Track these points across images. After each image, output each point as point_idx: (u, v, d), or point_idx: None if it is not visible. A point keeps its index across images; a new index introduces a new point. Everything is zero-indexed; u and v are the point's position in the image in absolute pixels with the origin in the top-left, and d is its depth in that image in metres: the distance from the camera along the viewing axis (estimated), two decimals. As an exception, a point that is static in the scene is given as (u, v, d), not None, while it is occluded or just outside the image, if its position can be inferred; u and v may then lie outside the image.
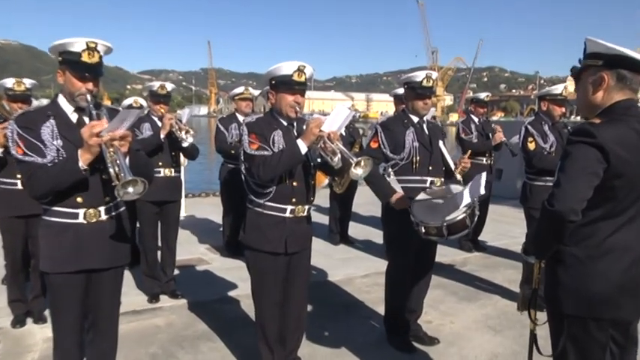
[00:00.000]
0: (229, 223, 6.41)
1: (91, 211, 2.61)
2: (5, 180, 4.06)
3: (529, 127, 4.88)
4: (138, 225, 4.93)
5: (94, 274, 2.68)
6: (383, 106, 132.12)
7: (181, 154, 5.03)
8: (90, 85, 2.58)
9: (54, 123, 2.55)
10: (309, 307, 3.90)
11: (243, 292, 4.86)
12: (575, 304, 2.13)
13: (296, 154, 3.00)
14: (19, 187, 3.91)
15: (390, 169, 3.91)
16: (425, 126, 3.98)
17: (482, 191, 3.23)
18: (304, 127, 3.11)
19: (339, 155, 2.95)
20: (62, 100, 2.64)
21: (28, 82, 4.41)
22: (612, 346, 2.19)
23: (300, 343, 3.51)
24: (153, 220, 4.87)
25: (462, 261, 6.46)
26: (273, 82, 3.16)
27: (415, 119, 3.94)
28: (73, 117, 2.63)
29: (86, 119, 2.62)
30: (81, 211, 2.59)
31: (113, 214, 2.72)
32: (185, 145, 4.77)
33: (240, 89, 6.42)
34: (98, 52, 2.58)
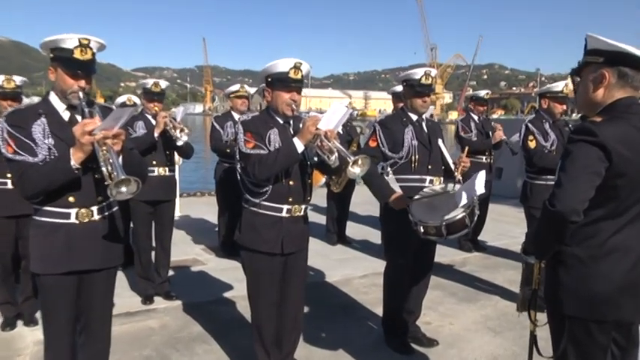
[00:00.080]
0: (225, 222, 6.41)
1: (84, 210, 2.60)
2: (-5, 179, 4.05)
3: (529, 125, 4.89)
4: (131, 225, 4.92)
5: (86, 275, 2.67)
6: (381, 103, 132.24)
7: (176, 153, 5.02)
8: (82, 83, 2.57)
9: (45, 121, 2.54)
10: (306, 309, 3.91)
11: (238, 293, 4.86)
12: (577, 305, 2.13)
13: (292, 153, 3.00)
14: (10, 186, 3.89)
15: (388, 168, 3.91)
16: (424, 124, 3.98)
17: (482, 190, 3.23)
18: (301, 125, 3.11)
19: (336, 154, 2.94)
20: (54, 98, 2.63)
21: (18, 80, 4.39)
22: (613, 347, 2.20)
23: (297, 345, 3.51)
24: (147, 220, 4.86)
25: (461, 261, 6.47)
26: (269, 79, 3.15)
27: (414, 117, 3.94)
28: (65, 115, 2.62)
29: (78, 117, 2.61)
30: (73, 211, 2.58)
31: (106, 214, 2.71)
32: (179, 143, 4.77)
33: (235, 87, 6.42)
34: (91, 48, 2.57)
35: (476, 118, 6.85)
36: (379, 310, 4.27)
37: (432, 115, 4.20)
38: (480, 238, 7.07)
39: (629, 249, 2.10)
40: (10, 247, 4.17)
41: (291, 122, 3.25)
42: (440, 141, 4.00)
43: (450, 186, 3.74)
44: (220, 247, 6.55)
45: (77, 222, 2.59)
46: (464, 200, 3.24)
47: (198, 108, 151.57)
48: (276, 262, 3.24)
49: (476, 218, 3.45)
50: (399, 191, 3.80)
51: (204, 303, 4.84)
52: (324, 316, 4.59)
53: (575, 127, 2.16)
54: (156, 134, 4.64)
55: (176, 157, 5.15)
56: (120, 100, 6.28)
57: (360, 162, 2.88)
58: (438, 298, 5.07)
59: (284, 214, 3.20)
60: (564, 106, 4.91)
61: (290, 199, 3.19)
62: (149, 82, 4.90)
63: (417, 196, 3.70)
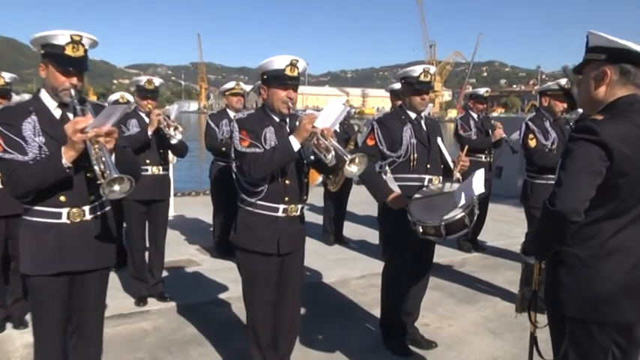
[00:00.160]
0: (220, 222, 6.41)
1: (75, 210, 2.59)
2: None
3: (530, 123, 4.90)
4: (124, 225, 4.91)
5: (78, 277, 2.66)
6: (379, 101, 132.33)
7: (170, 152, 5.02)
8: (74, 80, 2.56)
9: (36, 119, 2.53)
10: (303, 310, 3.91)
11: (234, 294, 4.86)
12: (578, 306, 2.13)
13: (288, 152, 2.99)
14: (-1, 185, 3.88)
15: (386, 167, 3.91)
16: (423, 122, 3.98)
17: (482, 189, 3.24)
18: (297, 123, 3.10)
19: (333, 152, 2.94)
20: (45, 95, 2.62)
21: (7, 76, 4.37)
22: (614, 349, 2.20)
23: (293, 347, 3.50)
24: (140, 220, 4.85)
25: (460, 262, 6.48)
26: (265, 76, 3.15)
27: (413, 115, 3.94)
28: (57, 113, 2.62)
29: (70, 115, 2.60)
30: (64, 211, 2.57)
31: (98, 213, 2.70)
32: (174, 142, 4.76)
33: (231, 84, 6.42)
34: (83, 45, 2.56)
35: (475, 116, 6.85)
36: (377, 312, 4.27)
37: (429, 114, 4.20)
38: (479, 238, 7.07)
39: (630, 249, 2.10)
40: None
41: (288, 120, 3.25)
42: (439, 139, 4.00)
43: (449, 185, 3.75)
44: (215, 247, 6.54)
45: (69, 222, 2.58)
46: (463, 200, 3.25)
47: (193, 106, 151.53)
48: (272, 263, 3.24)
49: (475, 218, 3.46)
50: (397, 190, 3.80)
51: (199, 304, 4.84)
52: (320, 317, 4.59)
53: (575, 125, 2.16)
54: (149, 132, 4.63)
55: (170, 155, 5.14)
56: (113, 97, 6.27)
57: (357, 160, 2.87)
58: (436, 299, 5.08)
59: (280, 213, 3.19)
60: (565, 104, 4.92)
61: (286, 199, 3.19)
62: (142, 79, 4.89)
63: (415, 196, 3.71)
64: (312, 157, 3.20)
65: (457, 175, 3.83)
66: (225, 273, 5.62)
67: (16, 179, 2.44)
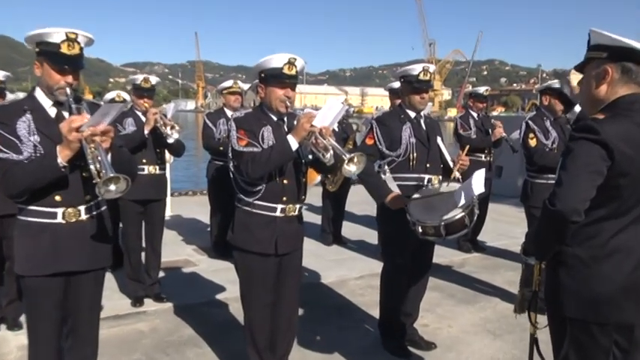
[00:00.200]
0: (217, 222, 6.40)
1: (71, 210, 2.59)
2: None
3: (530, 122, 4.90)
4: (120, 225, 4.91)
5: (73, 277, 2.66)
6: (378, 100, 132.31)
7: (166, 151, 5.01)
8: (69, 78, 2.55)
9: (30, 118, 2.52)
10: (300, 311, 3.91)
11: (231, 295, 4.86)
12: (578, 306, 2.13)
13: (286, 151, 2.99)
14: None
15: (385, 167, 3.91)
16: (422, 121, 3.98)
17: (482, 189, 3.24)
18: (295, 122, 3.10)
19: (332, 151, 2.94)
20: (39, 94, 2.61)
21: (1, 75, 4.36)
22: (615, 350, 2.20)
23: (291, 348, 3.51)
24: (136, 220, 4.85)
25: (460, 262, 6.48)
26: (263, 75, 3.15)
27: (412, 114, 3.94)
28: (52, 111, 2.61)
29: (65, 114, 2.59)
30: (59, 211, 2.57)
31: (94, 213, 2.70)
32: (170, 141, 4.75)
33: (228, 83, 6.41)
34: (79, 43, 2.55)
35: (475, 115, 6.86)
36: (375, 313, 4.27)
37: (428, 113, 4.21)
38: (479, 238, 7.08)
39: (631, 250, 2.10)
40: (-7, 248, 4.14)
41: (285, 119, 3.25)
42: (438, 139, 4.00)
43: (449, 185, 3.74)
44: (212, 247, 6.54)
45: (64, 222, 2.58)
46: (463, 200, 3.25)
47: (190, 105, 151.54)
48: (270, 263, 3.24)
49: (475, 218, 3.46)
50: (396, 190, 3.80)
51: (196, 305, 4.83)
52: (318, 318, 4.59)
53: (577, 124, 2.15)
54: (146, 131, 4.63)
55: (167, 155, 5.13)
56: (109, 96, 6.27)
57: (355, 160, 2.87)
58: (436, 299, 5.08)
59: (278, 213, 3.19)
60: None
61: (284, 199, 3.19)
62: (139, 77, 4.88)
63: (415, 196, 3.71)
64: (311, 157, 3.20)
65: (457, 174, 3.84)
66: (223, 273, 5.62)
67: (11, 178, 2.44)
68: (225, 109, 6.31)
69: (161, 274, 5.15)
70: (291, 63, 3.09)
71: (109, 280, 5.09)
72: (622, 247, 2.10)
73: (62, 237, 2.58)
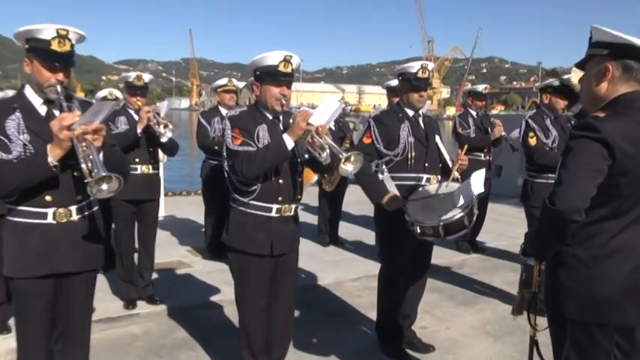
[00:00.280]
0: (212, 223, 6.40)
1: (61, 210, 2.58)
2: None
3: (530, 121, 4.91)
4: (113, 226, 4.90)
5: (64, 279, 2.65)
6: (376, 98, 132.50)
7: (160, 150, 5.01)
8: (60, 76, 2.55)
9: (20, 116, 2.52)
10: (297, 313, 3.90)
11: (226, 296, 4.85)
12: (579, 308, 2.14)
13: (282, 150, 2.99)
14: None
15: (383, 166, 3.91)
16: (421, 120, 3.99)
17: (481, 189, 3.24)
18: (291, 120, 3.10)
19: (328, 151, 2.94)
20: (29, 92, 2.60)
21: (-9, 72, 4.34)
22: (616, 352, 2.21)
23: (287, 351, 3.51)
24: (129, 221, 4.84)
25: (459, 263, 6.49)
26: (258, 72, 3.15)
27: (410, 113, 3.95)
28: (42, 110, 2.60)
29: (56, 112, 2.58)
30: (50, 211, 2.56)
31: (85, 213, 2.69)
32: (164, 140, 4.75)
33: (223, 81, 6.41)
34: (69, 40, 2.55)
35: (474, 113, 6.87)
36: (373, 315, 4.27)
37: (426, 112, 4.21)
38: (478, 238, 7.09)
39: (632, 250, 2.11)
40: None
41: (281, 118, 3.25)
42: (437, 138, 4.01)
43: (448, 185, 3.75)
44: (207, 248, 6.53)
45: (54, 222, 2.57)
46: (462, 200, 3.25)
47: (185, 103, 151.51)
48: (266, 264, 3.23)
49: (475, 218, 3.47)
50: (393, 191, 3.79)
51: (190, 307, 4.83)
52: (315, 320, 4.59)
53: (577, 122, 2.16)
54: (139, 130, 4.62)
55: (160, 154, 5.13)
56: (101, 94, 6.25)
57: (352, 159, 2.87)
58: (434, 301, 5.09)
59: (273, 213, 3.19)
60: (566, 102, 4.93)
61: (280, 199, 3.19)
62: (131, 75, 4.87)
63: (412, 196, 3.71)
64: (307, 156, 3.20)
65: (456, 174, 3.84)
66: (217, 275, 5.62)
67: (0, 178, 2.43)
68: (220, 107, 6.31)
69: (154, 275, 5.15)
70: (286, 60, 3.09)
71: (101, 282, 5.08)
72: (622, 248, 2.10)
73: (53, 238, 2.57)
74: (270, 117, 3.20)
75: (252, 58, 3.17)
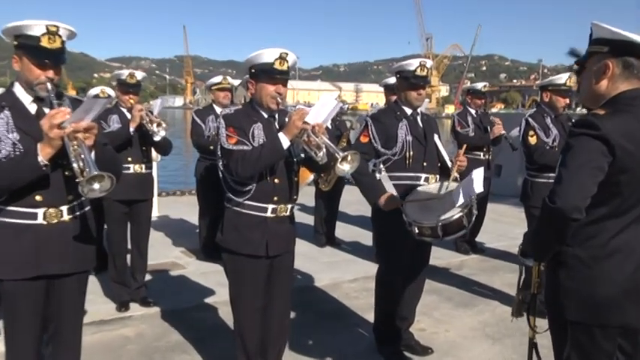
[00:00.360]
0: (206, 223, 6.39)
1: (52, 210, 2.57)
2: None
3: (530, 119, 4.91)
4: (105, 226, 4.89)
5: (55, 281, 2.64)
6: (373, 97, 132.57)
7: (153, 149, 5.00)
8: (50, 73, 2.54)
9: (9, 114, 2.51)
10: (293, 314, 3.90)
11: (221, 298, 4.85)
12: (579, 309, 2.14)
13: (277, 149, 2.99)
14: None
15: (381, 165, 3.91)
16: (419, 118, 3.99)
17: (480, 188, 3.24)
18: (286, 119, 3.10)
19: (324, 150, 2.94)
20: (18, 89, 2.59)
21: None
22: (619, 354, 2.21)
23: (283, 354, 3.51)
24: (122, 221, 4.83)
25: (458, 264, 6.50)
26: (253, 70, 3.15)
27: (408, 111, 3.95)
28: (32, 108, 2.59)
29: (46, 110, 2.57)
30: (40, 211, 2.55)
31: (77, 213, 2.68)
32: (157, 139, 4.74)
33: (217, 79, 6.41)
34: (60, 36, 2.54)
35: (473, 112, 6.88)
36: (370, 316, 4.27)
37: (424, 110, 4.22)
38: (477, 239, 7.10)
39: (632, 250, 2.11)
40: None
41: (277, 116, 3.24)
42: (436, 136, 4.01)
43: (447, 184, 3.75)
44: (201, 249, 6.53)
45: (45, 223, 2.56)
46: (461, 199, 3.25)
47: (179, 101, 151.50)
48: (261, 265, 3.23)
49: (474, 218, 3.47)
50: (391, 190, 3.80)
51: (184, 309, 4.82)
52: (311, 322, 4.60)
53: (577, 120, 2.16)
54: (131, 129, 4.60)
55: (153, 153, 5.12)
56: (93, 92, 6.24)
57: (349, 158, 2.87)
58: (433, 303, 5.09)
59: (269, 214, 3.19)
60: (567, 100, 4.94)
61: (275, 198, 3.18)
62: (124, 72, 4.86)
63: (410, 196, 3.71)
64: (303, 155, 3.20)
65: (455, 174, 3.85)
66: (212, 276, 5.61)
67: (-12, 178, 2.42)
68: (215, 105, 6.31)
69: (147, 277, 5.14)
70: (282, 58, 3.09)
71: (93, 284, 5.07)
72: (623, 248, 2.11)
73: (43, 238, 2.56)
74: (266, 115, 3.20)
75: (248, 56, 3.17)
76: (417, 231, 3.43)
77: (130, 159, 4.73)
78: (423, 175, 3.90)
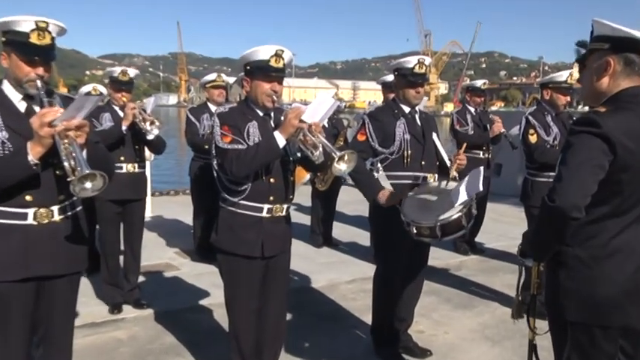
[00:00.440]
0: (200, 224, 6.39)
1: (43, 210, 2.56)
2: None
3: (530, 117, 4.92)
4: (97, 227, 4.88)
5: (46, 282, 2.62)
6: (371, 94, 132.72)
7: (146, 148, 4.99)
8: (40, 70, 2.53)
9: None
10: (289, 316, 3.90)
11: (215, 300, 4.84)
12: (579, 310, 2.15)
13: (273, 148, 2.98)
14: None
15: (378, 164, 3.92)
16: (417, 117, 3.99)
17: (480, 188, 3.25)
18: (282, 117, 3.10)
19: (321, 149, 2.94)
20: (7, 87, 2.58)
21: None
22: (620, 356, 2.21)
23: (279, 357, 3.51)
24: (114, 221, 4.82)
25: (457, 265, 6.51)
26: (248, 68, 3.14)
27: (406, 109, 3.95)
28: (21, 106, 2.58)
29: (36, 108, 2.56)
30: (30, 211, 2.53)
31: (68, 214, 2.67)
32: (150, 137, 4.73)
33: (212, 76, 6.41)
34: (50, 32, 2.53)
35: (472, 110, 6.89)
36: (368, 318, 4.27)
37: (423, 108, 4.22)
38: (477, 239, 7.11)
39: (633, 250, 2.12)
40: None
41: (272, 114, 3.24)
42: (434, 135, 4.02)
43: (445, 184, 3.76)
44: (196, 250, 6.53)
45: (35, 223, 2.55)
46: (460, 199, 3.26)
47: (172, 99, 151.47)
48: (256, 266, 3.23)
49: (473, 218, 3.47)
50: (389, 188, 3.80)
51: (178, 311, 4.82)
52: (308, 324, 4.60)
53: (577, 118, 2.16)
54: (124, 127, 4.59)
55: (147, 152, 5.11)
56: (84, 89, 6.23)
57: (346, 158, 2.88)
58: (431, 304, 5.10)
59: (264, 214, 3.19)
60: (568, 98, 4.95)
61: (271, 198, 3.18)
62: (116, 70, 4.86)
63: (409, 194, 3.71)
64: (299, 154, 3.20)
65: (454, 173, 3.85)
66: (206, 278, 5.60)
67: (-23, 178, 2.41)
68: (209, 103, 6.31)
69: (141, 278, 5.14)
70: (278, 55, 3.09)
71: (85, 286, 5.06)
72: (623, 248, 2.11)
73: (33, 239, 2.54)
74: (261, 114, 3.20)
75: (243, 53, 3.17)
76: (415, 231, 3.43)
77: (122, 158, 4.72)
78: (422, 175, 3.91)
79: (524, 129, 4.91)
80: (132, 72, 4.91)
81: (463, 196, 3.26)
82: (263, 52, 3.08)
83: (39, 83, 2.52)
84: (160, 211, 8.94)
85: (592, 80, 2.21)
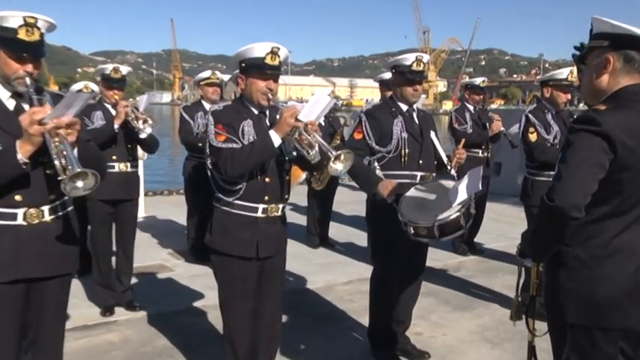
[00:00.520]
0: (194, 224, 6.39)
1: (33, 210, 2.55)
2: None
3: (530, 116, 4.93)
4: (89, 227, 4.88)
5: (35, 284, 2.61)
6: (368, 92, 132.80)
7: (139, 147, 4.99)
8: (29, 67, 2.51)
9: None
10: (284, 318, 3.91)
11: (210, 302, 4.84)
12: (579, 311, 2.15)
13: (268, 147, 2.98)
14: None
15: (375, 163, 3.92)
16: (415, 115, 4.00)
17: (479, 187, 3.25)
18: (278, 116, 3.09)
19: (317, 148, 2.94)
20: (-5, 85, 2.58)
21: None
22: (621, 358, 2.22)
23: (274, 359, 3.50)
24: (106, 222, 4.81)
25: (455, 265, 6.52)
26: (243, 65, 3.14)
27: (404, 107, 3.95)
28: (10, 104, 2.57)
29: (26, 106, 2.55)
30: (20, 211, 2.52)
31: (59, 214, 2.66)
32: (143, 136, 4.73)
33: (206, 73, 6.41)
34: (38, 28, 2.52)
35: (471, 108, 6.89)
36: (365, 320, 4.28)
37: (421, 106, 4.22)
38: (476, 239, 7.12)
39: (633, 251, 2.13)
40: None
41: (267, 113, 3.24)
42: (432, 134, 4.02)
43: (444, 182, 3.76)
44: (189, 251, 6.52)
45: (25, 223, 2.54)
46: (459, 198, 3.26)
47: (166, 97, 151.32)
48: (251, 267, 3.23)
49: (472, 218, 3.47)
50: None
51: (172, 313, 4.82)
52: (304, 326, 4.60)
53: (577, 116, 2.17)
54: (116, 126, 4.59)
55: (139, 151, 5.10)
56: (76, 87, 6.21)
57: (342, 157, 2.87)
58: (429, 306, 5.11)
59: (259, 214, 3.18)
60: (569, 96, 4.96)
61: (266, 198, 3.18)
62: (108, 67, 4.85)
63: (407, 194, 3.71)
64: (295, 153, 3.19)
65: (452, 172, 3.85)
66: (201, 279, 5.60)
67: (-35, 177, 2.40)
68: (203, 101, 6.31)
69: (133, 280, 5.13)
70: (274, 52, 3.08)
71: (76, 287, 5.05)
72: (624, 248, 2.12)
73: (23, 240, 2.53)
74: (256, 112, 3.19)
75: (238, 50, 3.16)
76: (412, 231, 3.43)
77: (114, 157, 4.71)
78: (419, 174, 3.91)
79: (524, 127, 4.91)
80: (124, 69, 4.90)
81: (462, 196, 3.27)
82: (258, 50, 3.08)
83: (28, 80, 2.51)
84: (153, 211, 8.93)
85: (592, 78, 2.22)
